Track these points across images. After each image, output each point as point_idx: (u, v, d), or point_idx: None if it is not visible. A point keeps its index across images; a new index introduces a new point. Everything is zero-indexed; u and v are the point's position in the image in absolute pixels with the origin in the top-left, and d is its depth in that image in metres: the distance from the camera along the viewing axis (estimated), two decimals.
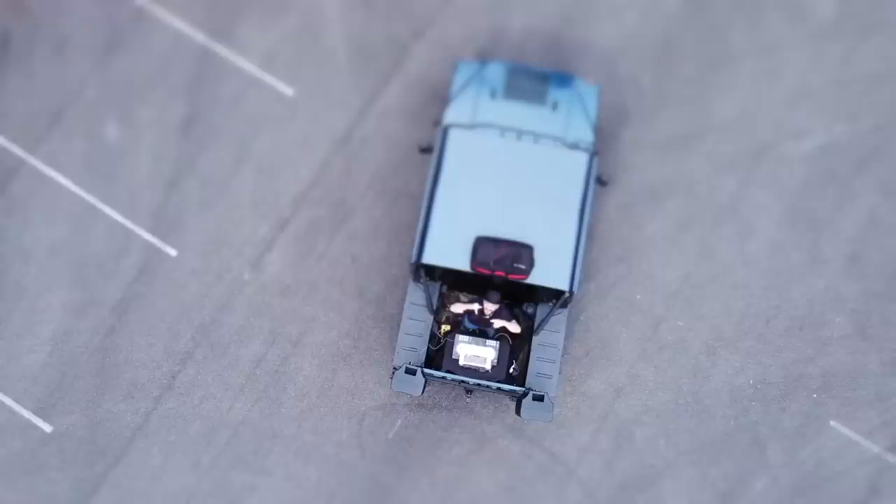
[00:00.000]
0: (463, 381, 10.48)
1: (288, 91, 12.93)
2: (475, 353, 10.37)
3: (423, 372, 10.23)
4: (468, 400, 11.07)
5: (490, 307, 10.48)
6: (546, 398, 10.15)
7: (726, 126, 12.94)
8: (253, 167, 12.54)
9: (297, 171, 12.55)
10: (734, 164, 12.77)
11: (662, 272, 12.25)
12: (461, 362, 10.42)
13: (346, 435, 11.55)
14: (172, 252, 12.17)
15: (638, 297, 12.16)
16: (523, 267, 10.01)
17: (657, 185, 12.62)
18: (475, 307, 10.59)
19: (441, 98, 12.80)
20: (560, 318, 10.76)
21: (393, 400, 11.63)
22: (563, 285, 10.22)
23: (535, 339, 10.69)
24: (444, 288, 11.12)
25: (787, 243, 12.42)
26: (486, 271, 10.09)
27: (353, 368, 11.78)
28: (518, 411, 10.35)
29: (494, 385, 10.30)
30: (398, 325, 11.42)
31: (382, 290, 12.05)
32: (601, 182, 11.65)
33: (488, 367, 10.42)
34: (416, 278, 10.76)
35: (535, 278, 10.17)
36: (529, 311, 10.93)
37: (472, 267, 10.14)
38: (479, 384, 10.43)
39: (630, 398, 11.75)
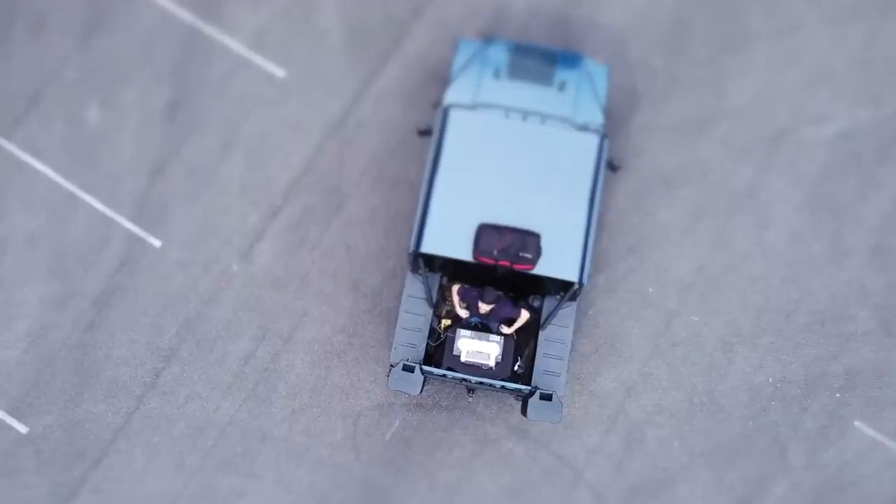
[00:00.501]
0: (464, 380, 9.81)
1: (279, 72, 12.23)
2: (478, 348, 9.68)
3: (421, 369, 9.56)
4: (470, 399, 10.38)
5: (484, 307, 9.82)
6: (554, 397, 9.47)
7: (742, 110, 12.26)
8: (242, 153, 11.85)
9: (289, 157, 11.86)
10: (750, 151, 12.08)
11: (675, 264, 11.57)
12: (463, 359, 9.73)
13: (340, 436, 10.87)
14: (156, 242, 11.49)
15: (650, 290, 11.48)
16: (529, 256, 9.32)
17: (669, 173, 11.94)
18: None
19: (441, 80, 12.12)
20: (568, 312, 10.09)
21: (390, 399, 10.96)
22: (572, 276, 9.53)
23: (542, 335, 10.01)
24: (445, 280, 10.44)
25: (807, 233, 11.73)
26: (489, 261, 9.41)
27: (347, 366, 11.10)
28: (524, 412, 9.66)
29: (498, 383, 9.62)
30: (395, 320, 10.73)
31: (379, 282, 11.37)
32: (612, 167, 10.96)
33: (492, 363, 9.73)
34: (415, 269, 10.08)
35: (542, 269, 9.48)
36: (536, 304, 10.25)
37: (475, 256, 9.46)
38: (481, 382, 9.76)
39: (642, 397, 11.08)
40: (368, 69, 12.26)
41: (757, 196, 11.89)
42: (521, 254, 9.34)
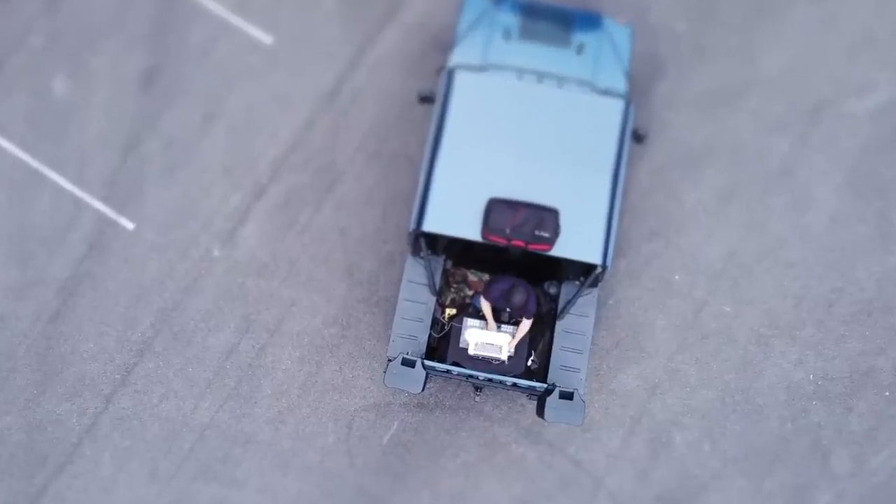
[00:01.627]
0: (471, 376, 8.69)
1: (266, 39, 11.10)
2: (487, 340, 8.52)
3: (423, 364, 8.43)
4: (477, 398, 9.24)
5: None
6: (576, 396, 8.33)
7: (776, 81, 11.12)
8: (224, 127, 10.73)
9: (277, 132, 10.74)
10: (786, 124, 10.95)
11: (704, 249, 10.44)
12: (471, 351, 8.58)
13: (332, 440, 9.75)
14: (129, 225, 10.37)
15: (676, 277, 10.35)
16: (547, 235, 8.17)
17: (696, 149, 10.80)
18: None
19: (444, 46, 10.99)
20: (589, 300, 8.96)
21: (388, 398, 9.83)
22: (594, 258, 8.38)
23: (560, 325, 8.88)
24: (449, 264, 9.31)
25: (849, 214, 10.60)
26: (500, 240, 8.25)
27: (340, 361, 9.97)
28: (541, 412, 8.51)
29: (510, 380, 8.50)
30: (394, 310, 9.60)
31: (375, 268, 10.25)
32: (638, 137, 9.80)
33: (504, 357, 8.59)
34: (416, 252, 8.95)
35: (561, 250, 8.33)
36: (552, 291, 9.11)
37: (484, 235, 8.30)
38: (490, 379, 8.64)
39: (668, 396, 9.94)
40: (364, 35, 11.13)
41: (793, 174, 10.75)
42: (536, 232, 8.17)
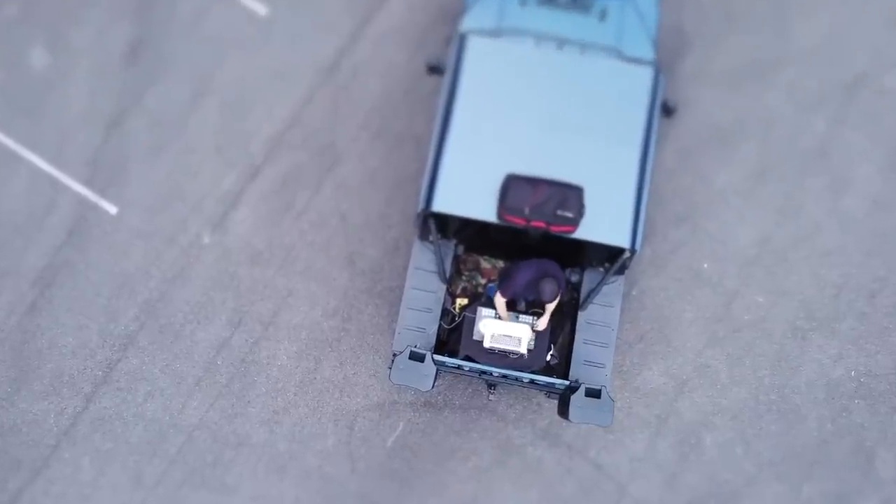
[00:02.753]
0: (486, 372, 7.90)
1: (260, 9, 10.28)
2: (505, 331, 7.71)
3: (433, 359, 7.62)
4: (491, 397, 8.44)
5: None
6: (603, 394, 7.51)
7: (812, 53, 10.30)
8: (216, 103, 9.91)
9: (272, 109, 9.92)
10: (822, 100, 10.13)
11: (735, 234, 9.63)
12: (486, 344, 7.76)
13: (332, 442, 8.96)
14: (112, 209, 9.56)
15: (705, 265, 9.54)
16: (570, 215, 7.35)
17: (726, 127, 9.99)
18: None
19: (452, 16, 10.16)
20: (615, 289, 8.16)
21: (393, 397, 9.04)
22: (622, 241, 7.57)
23: (582, 316, 8.08)
24: (461, 249, 8.51)
25: (892, 197, 9.79)
26: (519, 221, 7.43)
27: (341, 357, 9.18)
28: (563, 412, 7.69)
29: (530, 377, 7.71)
30: (399, 301, 8.79)
31: (379, 256, 9.45)
32: (667, 110, 8.96)
33: (523, 350, 7.77)
34: (424, 236, 8.15)
35: (586, 232, 7.51)
36: (573, 278, 8.30)
37: (501, 215, 7.48)
38: (507, 376, 7.84)
39: (697, 395, 9.15)
40: (366, 4, 10.31)
41: (831, 154, 9.94)
42: (559, 212, 7.35)
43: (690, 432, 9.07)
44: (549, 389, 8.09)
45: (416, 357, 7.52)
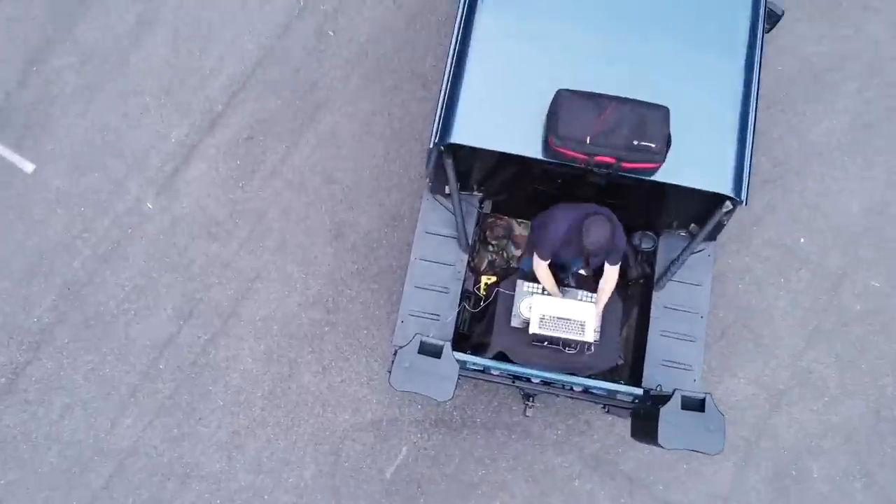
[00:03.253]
0: (522, 377, 5.62)
1: None
2: (561, 311, 5.35)
3: (452, 353, 5.30)
4: (528, 412, 6.10)
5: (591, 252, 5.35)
6: (710, 404, 5.12)
7: None
8: (165, 34, 7.68)
9: (238, 41, 7.68)
10: None
11: (839, 200, 7.40)
12: (534, 330, 5.37)
13: (311, 474, 6.70)
14: (27, 166, 7.33)
15: (801, 240, 7.30)
16: (653, 146, 5.02)
17: (822, 64, 7.75)
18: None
19: None
20: (704, 261, 5.88)
21: (392, 413, 6.79)
22: (722, 187, 5.23)
23: (658, 299, 5.79)
24: (487, 207, 6.22)
25: None
26: (577, 156, 5.08)
27: (324, 359, 6.94)
28: (644, 433, 5.26)
29: (587, 384, 5.40)
30: (403, 281, 6.42)
31: (375, 227, 7.22)
32: (772, 17, 6.49)
33: (590, 337, 5.43)
34: (437, 188, 5.86)
35: (672, 173, 5.19)
36: (644, 246, 5.99)
37: (552, 148, 5.11)
38: (550, 383, 5.57)
39: (797, 409, 6.90)
40: None
41: None
42: (636, 142, 5.00)
43: (791, 460, 6.79)
44: (608, 401, 5.80)
45: (430, 350, 5.10)
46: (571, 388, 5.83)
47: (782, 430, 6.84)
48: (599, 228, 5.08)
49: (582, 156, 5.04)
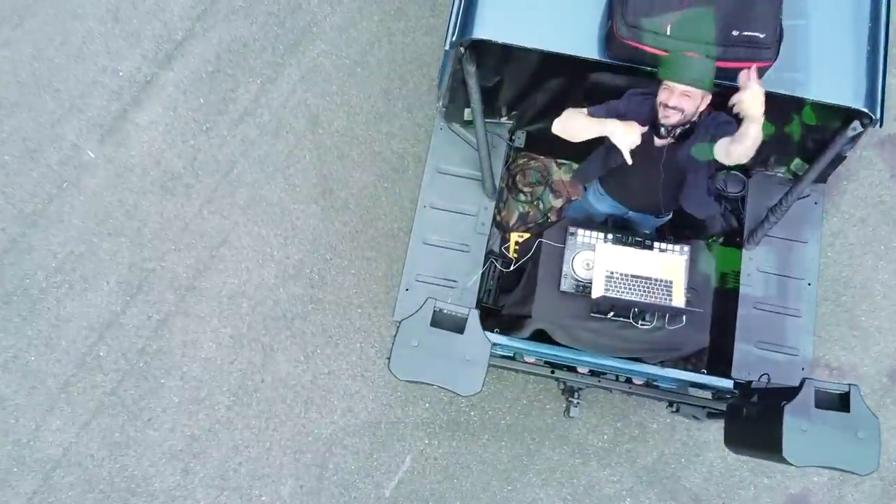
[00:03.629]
0: (563, 365, 4.18)
1: None
2: (638, 267, 3.73)
3: (481, 323, 3.57)
4: (573, 413, 4.60)
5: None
6: (856, 399, 3.57)
7: None
8: None
9: None
10: None
11: None
12: (599, 293, 3.82)
13: (289, 490, 5.26)
14: None
15: None
16: (760, 37, 3.53)
17: None
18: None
19: None
20: (811, 211, 4.42)
21: (394, 413, 5.35)
22: (849, 99, 3.73)
23: (750, 260, 4.32)
24: (519, 140, 4.71)
25: None
26: (653, 50, 3.60)
27: (306, 345, 5.49)
28: (756, 443, 3.69)
29: (684, 376, 3.92)
30: (406, 247, 4.90)
31: (371, 181, 5.77)
32: None
33: (680, 301, 3.89)
34: (453, 114, 4.38)
35: (780, 81, 3.67)
36: (731, 190, 4.45)
37: (616, 38, 3.55)
38: (599, 372, 4.13)
39: None
40: None
41: None
42: (736, 31, 3.48)
43: None
44: (681, 398, 4.34)
45: (448, 322, 3.49)
46: (629, 380, 4.37)
47: (891, 436, 5.38)
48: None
49: (660, 52, 3.57)
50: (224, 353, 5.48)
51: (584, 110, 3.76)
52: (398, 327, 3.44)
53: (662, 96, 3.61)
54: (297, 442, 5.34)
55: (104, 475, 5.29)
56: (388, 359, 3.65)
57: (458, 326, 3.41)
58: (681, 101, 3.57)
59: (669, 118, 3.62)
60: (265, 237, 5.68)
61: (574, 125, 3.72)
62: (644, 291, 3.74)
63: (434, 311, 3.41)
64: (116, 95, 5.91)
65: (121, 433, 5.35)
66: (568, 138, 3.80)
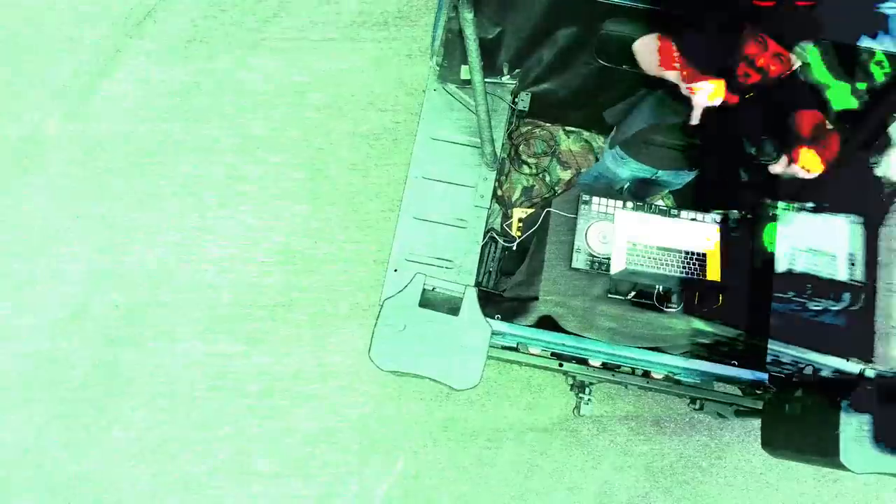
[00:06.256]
0: (572, 356, 3.71)
1: None
2: (666, 239, 3.20)
3: (480, 302, 3.23)
4: (584, 410, 4.08)
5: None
6: None
7: None
8: None
9: None
10: None
11: None
12: (619, 268, 3.28)
13: (271, 492, 4.78)
14: None
15: None
16: None
17: None
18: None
19: None
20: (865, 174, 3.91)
21: (385, 408, 4.87)
22: None
23: (783, 233, 3.81)
24: (524, 104, 4.17)
25: None
26: None
27: (289, 334, 5.02)
28: (804, 446, 3.18)
29: (716, 371, 3.40)
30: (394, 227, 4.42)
31: (360, 158, 5.29)
32: None
33: (716, 274, 3.33)
34: (449, 72, 3.88)
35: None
36: (766, 153, 3.95)
37: None
38: (633, 368, 3.66)
39: None
40: None
41: None
42: None
43: None
44: (705, 394, 3.85)
45: (440, 303, 3.03)
46: (647, 374, 3.88)
47: None
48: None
49: None
50: (199, 346, 5.00)
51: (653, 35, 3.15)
52: (380, 308, 2.94)
53: (752, 49, 3.04)
54: (280, 440, 4.86)
55: (62, 480, 4.81)
56: (371, 341, 3.14)
57: (452, 308, 2.91)
58: (772, 61, 3.03)
59: (750, 77, 3.07)
60: (245, 221, 5.20)
61: (653, 59, 3.12)
62: (673, 266, 3.24)
63: (424, 288, 2.91)
64: (84, 66, 5.44)
65: (85, 434, 4.86)
66: (639, 64, 3.21)
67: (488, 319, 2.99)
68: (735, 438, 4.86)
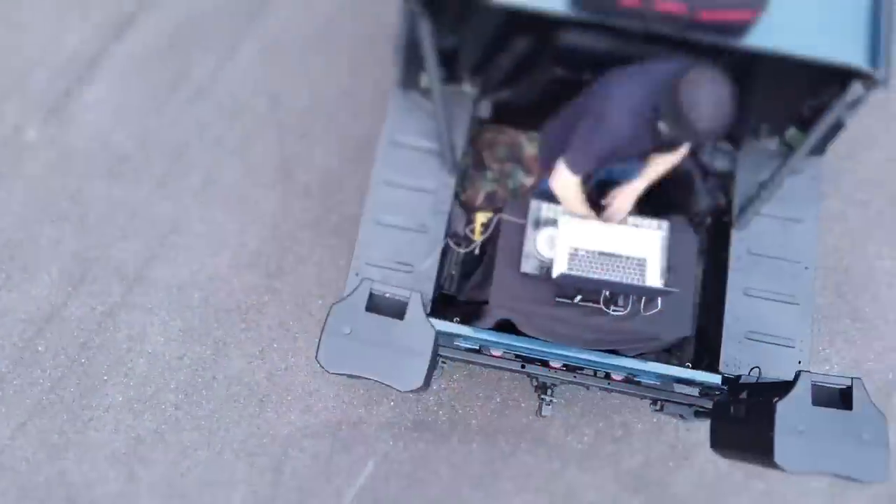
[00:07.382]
0: (533, 358, 3.77)
1: None
2: (606, 244, 3.22)
3: (426, 313, 3.20)
4: (545, 412, 4.14)
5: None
6: (859, 397, 3.12)
7: None
8: None
9: None
10: None
11: None
12: (561, 271, 3.27)
13: (241, 495, 4.84)
14: None
15: None
16: None
17: None
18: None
19: None
20: (807, 186, 3.98)
21: (356, 413, 4.92)
22: (850, 55, 3.28)
23: (739, 241, 3.88)
24: (485, 111, 4.23)
25: None
26: (629, 3, 3.14)
27: (262, 339, 5.07)
28: (744, 445, 3.24)
29: (670, 371, 3.48)
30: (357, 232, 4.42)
31: (337, 164, 5.35)
32: None
33: (656, 281, 3.41)
34: (410, 79, 3.93)
35: (770, 35, 3.23)
36: (718, 164, 4.01)
37: None
38: (572, 365, 3.72)
39: None
40: None
41: None
42: None
43: None
44: (665, 395, 3.92)
45: (386, 307, 3.05)
46: (608, 376, 3.94)
47: None
48: (717, 90, 2.99)
49: (636, 2, 3.13)
50: (173, 348, 5.05)
51: (574, 179, 3.29)
52: (328, 313, 3.01)
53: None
54: (250, 444, 4.92)
55: (41, 481, 4.87)
56: (319, 341, 3.20)
57: (398, 312, 2.98)
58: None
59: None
60: (220, 224, 5.26)
61: (565, 196, 3.31)
62: (612, 270, 3.30)
63: (371, 293, 2.98)
64: (61, 71, 5.50)
65: (60, 435, 4.92)
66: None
67: (433, 322, 3.05)
68: (702, 440, 4.91)
